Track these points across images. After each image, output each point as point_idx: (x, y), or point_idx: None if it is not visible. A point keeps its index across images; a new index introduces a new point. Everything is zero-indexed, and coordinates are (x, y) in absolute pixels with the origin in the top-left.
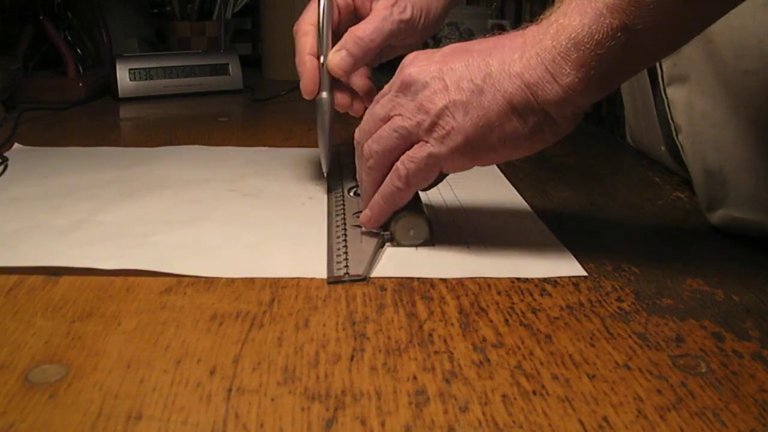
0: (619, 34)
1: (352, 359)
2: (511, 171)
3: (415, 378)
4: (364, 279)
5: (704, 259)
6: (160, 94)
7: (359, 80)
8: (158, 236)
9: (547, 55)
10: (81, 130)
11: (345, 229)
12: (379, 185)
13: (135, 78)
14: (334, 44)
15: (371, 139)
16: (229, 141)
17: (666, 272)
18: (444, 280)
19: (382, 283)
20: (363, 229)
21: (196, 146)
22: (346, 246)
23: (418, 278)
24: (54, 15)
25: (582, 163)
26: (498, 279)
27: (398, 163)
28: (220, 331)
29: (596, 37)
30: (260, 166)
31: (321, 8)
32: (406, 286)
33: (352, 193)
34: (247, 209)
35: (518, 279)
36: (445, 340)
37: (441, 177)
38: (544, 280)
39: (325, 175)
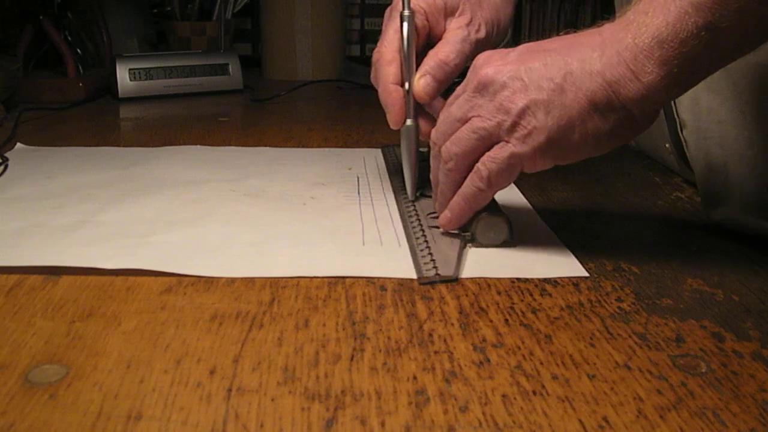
0: (703, 32)
1: (352, 359)
2: None
3: (415, 378)
4: (456, 280)
5: (704, 259)
6: (160, 94)
7: (437, 103)
8: (159, 236)
9: (628, 53)
10: (81, 130)
11: (423, 230)
12: (458, 187)
13: (135, 78)
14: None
15: (450, 141)
16: (229, 141)
17: (666, 272)
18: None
19: (382, 283)
20: (441, 230)
21: (197, 146)
22: (429, 247)
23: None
24: (54, 15)
25: (582, 163)
26: (498, 279)
27: (479, 164)
28: (220, 331)
29: (681, 35)
30: (261, 166)
31: (405, 34)
32: (406, 286)
33: (419, 193)
34: (248, 209)
35: (518, 279)
36: (445, 340)
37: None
38: (544, 280)
39: (411, 201)
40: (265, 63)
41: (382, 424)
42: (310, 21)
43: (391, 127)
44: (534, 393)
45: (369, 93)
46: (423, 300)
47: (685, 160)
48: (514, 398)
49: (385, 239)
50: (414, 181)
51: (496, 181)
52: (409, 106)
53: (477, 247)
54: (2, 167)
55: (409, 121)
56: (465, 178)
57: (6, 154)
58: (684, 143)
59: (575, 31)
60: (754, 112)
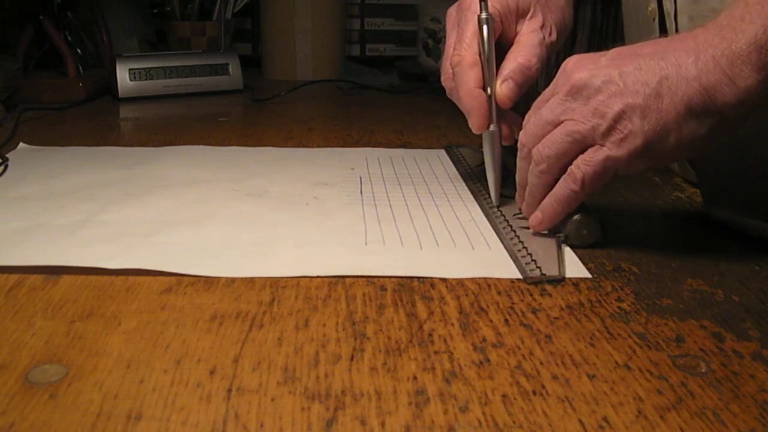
0: None
1: (352, 359)
2: None
3: (415, 378)
4: (563, 279)
5: (704, 259)
6: (160, 94)
7: (509, 114)
8: (161, 236)
9: (724, 59)
10: (81, 130)
11: (514, 231)
12: (550, 188)
13: (135, 78)
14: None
15: (542, 143)
16: (229, 141)
17: (666, 272)
18: (444, 280)
19: (382, 283)
20: (532, 230)
21: (199, 146)
22: (525, 247)
23: (418, 278)
24: (54, 15)
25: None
26: (498, 279)
27: (573, 167)
28: (220, 331)
29: None
30: (263, 166)
31: (485, 39)
32: (406, 286)
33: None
34: (250, 209)
35: (518, 279)
36: (445, 340)
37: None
38: None
39: (496, 206)
40: (265, 63)
41: (382, 424)
42: (310, 21)
43: (474, 131)
44: (534, 393)
45: (369, 93)
46: (423, 300)
47: (687, 160)
48: (514, 398)
49: (388, 239)
50: (498, 186)
51: (590, 184)
52: (492, 111)
53: (569, 246)
54: (2, 167)
55: (492, 126)
56: (556, 180)
57: (9, 154)
58: None
59: (665, 36)
60: (760, 112)
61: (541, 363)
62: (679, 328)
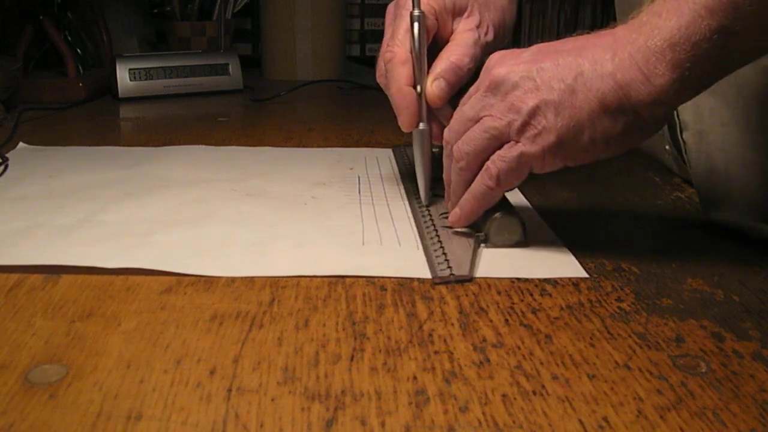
0: (716, 36)
1: (352, 359)
2: None
3: (415, 378)
4: (470, 280)
5: (704, 259)
6: (160, 94)
7: (445, 112)
8: (160, 236)
9: (640, 55)
10: (81, 130)
11: (436, 230)
12: (470, 185)
13: (135, 78)
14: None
15: (461, 140)
16: (229, 141)
17: (666, 272)
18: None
19: (383, 283)
20: (453, 229)
21: (199, 146)
22: (442, 247)
23: (418, 278)
24: (54, 15)
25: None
26: (498, 279)
27: (489, 163)
28: (220, 331)
29: (693, 38)
30: (262, 165)
31: (416, 36)
32: (406, 286)
33: (431, 193)
34: (249, 209)
35: (518, 279)
36: (445, 340)
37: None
38: (544, 280)
39: (426, 206)
40: (265, 63)
41: (382, 424)
42: (310, 21)
43: (403, 129)
44: (534, 393)
45: (369, 93)
46: (423, 300)
47: (685, 163)
48: (514, 398)
49: (386, 239)
50: (428, 185)
51: (505, 180)
52: (422, 109)
53: (490, 247)
54: (2, 167)
55: (422, 125)
56: (476, 176)
57: (9, 154)
58: (683, 145)
59: (589, 32)
60: (757, 115)
61: (541, 363)
62: (679, 328)
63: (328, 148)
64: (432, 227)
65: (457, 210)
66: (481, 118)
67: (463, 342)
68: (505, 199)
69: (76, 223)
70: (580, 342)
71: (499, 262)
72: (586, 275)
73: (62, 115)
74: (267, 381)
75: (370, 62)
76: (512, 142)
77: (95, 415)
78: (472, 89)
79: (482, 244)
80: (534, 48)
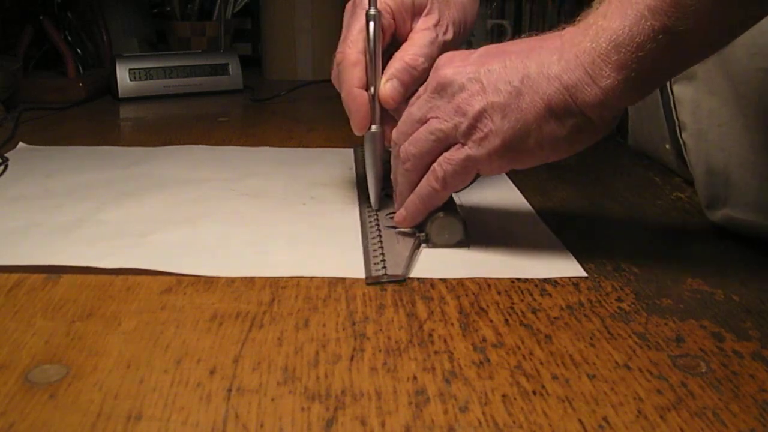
0: (660, 36)
1: (352, 359)
2: (511, 171)
3: (415, 378)
4: (404, 280)
5: (704, 259)
6: (160, 94)
7: (401, 108)
8: (158, 235)
9: (586, 57)
10: (81, 130)
11: (379, 231)
12: (415, 186)
13: (135, 78)
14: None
15: (408, 141)
16: (229, 141)
17: (666, 272)
18: (444, 280)
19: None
20: (398, 229)
21: (197, 146)
22: (382, 247)
23: (418, 278)
24: (54, 15)
25: (582, 163)
26: (498, 279)
27: (435, 165)
28: (220, 331)
29: (637, 39)
30: (261, 165)
31: (370, 35)
32: (406, 286)
33: (383, 193)
34: (247, 209)
35: (518, 279)
36: (445, 340)
37: (475, 178)
38: (544, 280)
39: (375, 209)
40: (265, 63)
41: (382, 424)
42: (310, 21)
43: (356, 133)
44: (534, 393)
45: None
46: (423, 300)
47: (685, 162)
48: (514, 398)
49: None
50: (378, 189)
51: (451, 182)
52: (375, 111)
53: (431, 247)
54: (2, 167)
55: (374, 127)
56: (422, 178)
57: (9, 153)
58: (683, 145)
59: (537, 34)
60: (756, 115)
61: (541, 363)
62: (679, 328)
63: (328, 149)
64: (376, 227)
65: (402, 211)
66: (427, 120)
67: (463, 342)
68: (450, 199)
69: (75, 222)
70: (580, 342)
71: (499, 262)
72: (586, 275)
73: (62, 115)
74: (267, 381)
75: None
76: (459, 145)
77: (95, 415)
78: (420, 90)
79: (423, 244)
80: (482, 49)
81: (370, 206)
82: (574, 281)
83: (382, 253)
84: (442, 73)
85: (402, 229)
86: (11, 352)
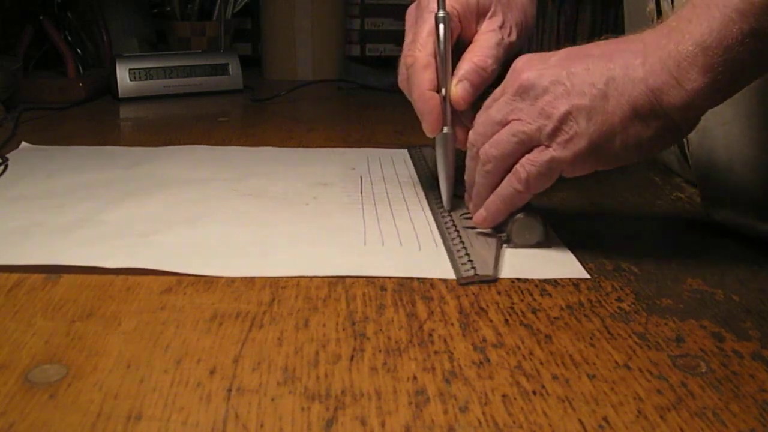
0: (747, 39)
1: (352, 359)
2: None
3: (415, 378)
4: (495, 280)
5: (704, 259)
6: (160, 94)
7: (467, 116)
8: (160, 235)
9: (671, 60)
10: (81, 130)
11: (458, 231)
12: (495, 188)
13: (135, 78)
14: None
15: (489, 143)
16: (229, 141)
17: (666, 272)
18: (444, 280)
19: (382, 283)
20: (476, 229)
21: (199, 146)
22: (465, 248)
23: (418, 278)
24: (54, 15)
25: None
26: (498, 279)
27: (518, 167)
28: (220, 331)
29: (725, 42)
30: (263, 165)
31: (441, 38)
32: (406, 286)
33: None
34: (250, 209)
35: (518, 279)
36: (445, 340)
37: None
38: (544, 280)
39: (448, 211)
40: (265, 63)
41: (382, 424)
42: (310, 21)
43: (428, 135)
44: (534, 393)
45: (369, 93)
46: (423, 300)
47: (687, 160)
48: (514, 398)
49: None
50: (450, 190)
51: (534, 184)
52: (447, 113)
53: (512, 247)
54: (2, 167)
55: (446, 129)
56: (502, 179)
57: (11, 153)
58: (686, 143)
59: (611, 37)
60: (760, 114)
61: (541, 363)
62: (679, 328)
63: (329, 148)
64: (453, 228)
65: (482, 211)
66: (509, 122)
67: (463, 342)
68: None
69: (76, 222)
70: (580, 342)
71: (499, 263)
72: (587, 276)
73: (62, 115)
74: (267, 381)
75: (370, 62)
76: (542, 147)
77: (95, 415)
78: (497, 92)
79: (504, 244)
80: (562, 52)
81: (441, 206)
82: (574, 281)
83: (467, 254)
84: (524, 76)
85: (480, 230)
86: (11, 352)
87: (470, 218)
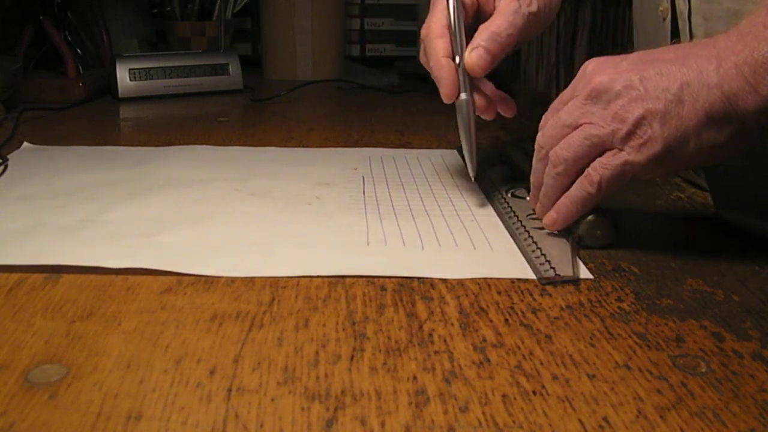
0: None
1: (352, 359)
2: None
3: (415, 378)
4: (577, 280)
5: (704, 259)
6: (160, 94)
7: (485, 86)
8: (162, 236)
9: (746, 66)
10: (81, 130)
11: (528, 231)
12: (565, 190)
13: (135, 78)
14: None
15: (560, 146)
16: (229, 141)
17: (666, 272)
18: (444, 280)
19: (382, 283)
20: (546, 230)
21: (201, 146)
22: (539, 248)
23: (418, 278)
24: (54, 15)
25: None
26: (498, 279)
27: (590, 170)
28: (220, 331)
29: None
30: (265, 165)
31: (452, 8)
32: (406, 286)
33: (510, 195)
34: (252, 209)
35: (518, 279)
36: (445, 340)
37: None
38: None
39: (473, 179)
40: (265, 63)
41: (382, 424)
42: (310, 21)
43: (445, 101)
44: (534, 393)
45: (369, 93)
46: (423, 300)
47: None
48: (514, 398)
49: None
50: (474, 155)
51: (606, 187)
52: (463, 79)
53: (582, 248)
54: (2, 167)
55: (463, 95)
56: (572, 182)
57: (13, 153)
58: None
59: (679, 42)
60: None
61: (541, 363)
62: (679, 328)
63: (331, 149)
64: (522, 228)
65: (553, 213)
66: (580, 125)
67: (463, 342)
68: None
69: (78, 222)
70: (580, 342)
71: (500, 263)
72: (589, 275)
73: (62, 115)
74: (267, 381)
75: (370, 62)
76: (615, 150)
77: (95, 415)
78: (565, 94)
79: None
80: (633, 56)
81: (504, 206)
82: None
83: (543, 254)
84: (597, 80)
85: (548, 231)
86: (11, 352)
87: (536, 219)
